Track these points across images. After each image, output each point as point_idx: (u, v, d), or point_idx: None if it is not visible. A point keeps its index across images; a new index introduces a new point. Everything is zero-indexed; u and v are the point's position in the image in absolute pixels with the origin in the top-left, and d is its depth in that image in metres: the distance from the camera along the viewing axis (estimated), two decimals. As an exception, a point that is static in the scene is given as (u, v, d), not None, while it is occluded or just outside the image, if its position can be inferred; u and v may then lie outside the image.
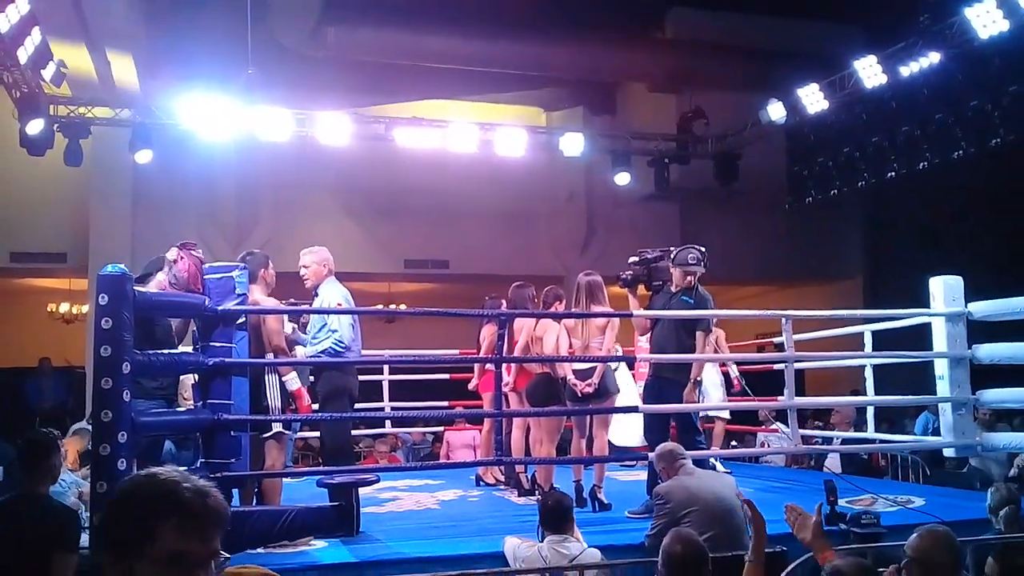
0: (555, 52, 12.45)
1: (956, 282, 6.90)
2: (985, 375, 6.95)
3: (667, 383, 6.21)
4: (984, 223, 13.05)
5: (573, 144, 12.78)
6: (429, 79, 13.07)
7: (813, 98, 11.66)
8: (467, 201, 14.14)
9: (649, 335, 6.48)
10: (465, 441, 9.79)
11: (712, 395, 8.15)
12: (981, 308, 6.80)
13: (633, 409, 7.37)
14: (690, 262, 6.21)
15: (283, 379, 5.42)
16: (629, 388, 7.96)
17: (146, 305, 4.81)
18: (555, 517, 4.52)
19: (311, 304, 5.91)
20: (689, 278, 6.21)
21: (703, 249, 6.33)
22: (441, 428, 10.38)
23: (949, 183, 12.06)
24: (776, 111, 12.27)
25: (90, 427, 8.23)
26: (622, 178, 13.55)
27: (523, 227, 14.89)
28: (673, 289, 6.29)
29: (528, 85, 14.07)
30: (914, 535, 3.59)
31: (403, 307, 14.69)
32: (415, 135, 12.07)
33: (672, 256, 6.33)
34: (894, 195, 13.28)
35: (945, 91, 10.62)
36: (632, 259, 6.53)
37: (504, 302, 7.52)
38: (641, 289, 6.66)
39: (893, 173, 11.60)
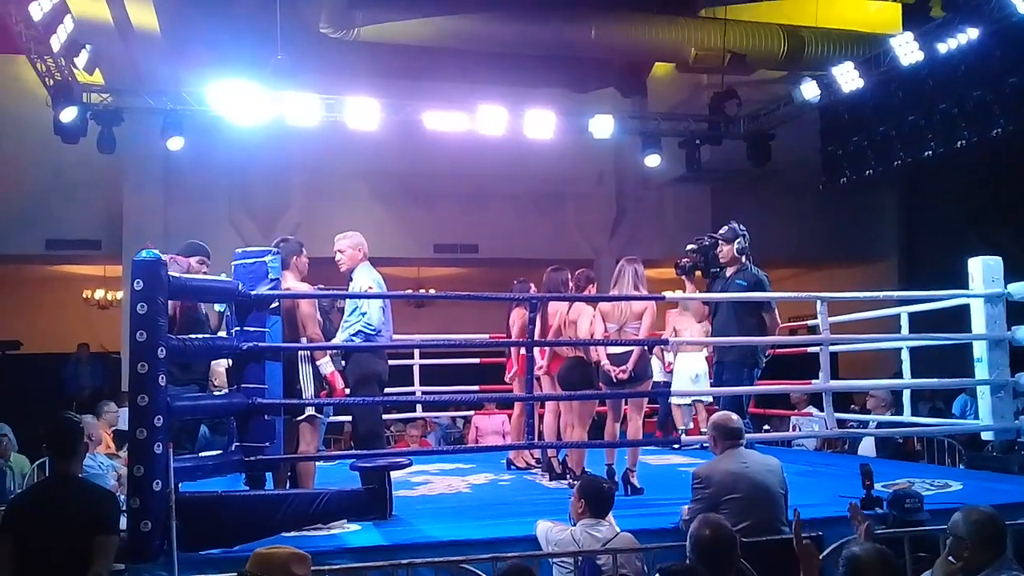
0: (585, 32, 12.34)
1: (996, 262, 6.78)
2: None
3: (726, 368, 6.27)
4: (1023, 202, 12.81)
5: (603, 126, 12.68)
6: (458, 63, 13.01)
7: (848, 76, 11.47)
8: (496, 185, 14.11)
9: (709, 321, 6.50)
10: (494, 427, 9.80)
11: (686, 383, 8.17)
12: (1021, 289, 6.68)
13: (665, 393, 7.36)
14: (728, 236, 6.25)
15: (317, 364, 5.43)
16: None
17: (180, 290, 4.84)
18: (594, 502, 4.50)
19: (345, 289, 5.92)
20: (739, 256, 6.20)
21: (735, 225, 6.31)
22: (471, 412, 10.39)
23: (987, 162, 11.85)
24: (810, 90, 12.11)
25: (113, 404, 8.39)
26: (652, 160, 13.44)
27: (552, 210, 14.84)
28: (727, 273, 6.28)
29: (557, 67, 13.98)
30: (957, 513, 3.55)
31: (432, 291, 14.71)
32: (444, 119, 12.03)
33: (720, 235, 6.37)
34: (930, 175, 13.09)
35: (983, 68, 10.43)
36: (689, 246, 6.62)
37: (532, 286, 7.48)
38: (698, 276, 6.68)
39: (930, 152, 11.41)
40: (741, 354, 6.21)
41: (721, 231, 6.38)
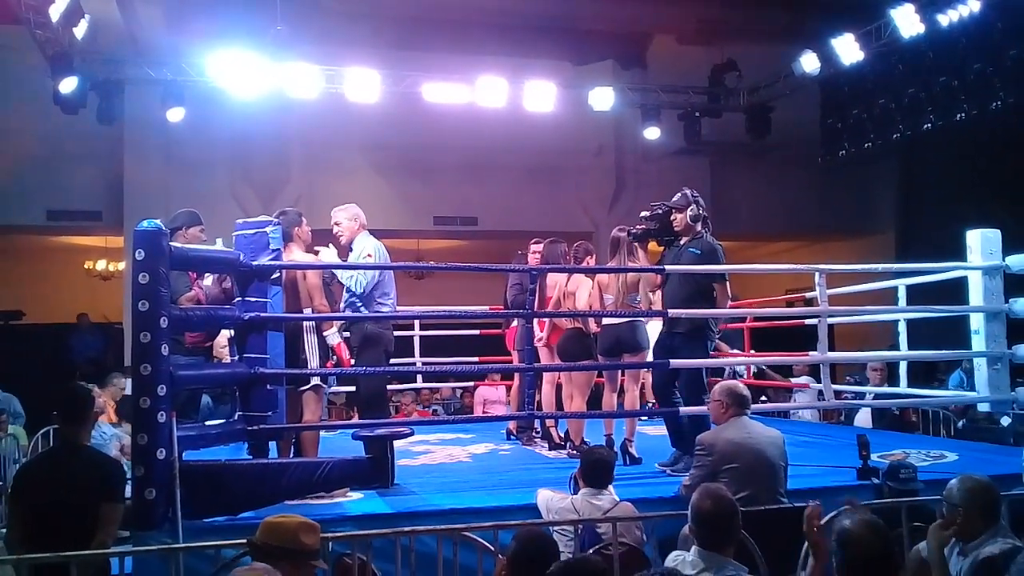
0: (585, 4, 12.28)
1: (994, 235, 6.79)
2: (1022, 330, 6.87)
3: (678, 338, 6.02)
4: (1022, 175, 12.80)
5: (603, 98, 12.66)
6: (458, 33, 12.96)
7: (848, 49, 11.43)
8: (496, 157, 14.08)
9: (661, 290, 6.27)
10: (499, 396, 9.90)
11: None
12: (1019, 261, 6.70)
13: (664, 364, 7.39)
14: (680, 204, 6.05)
15: (324, 334, 5.48)
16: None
17: (182, 260, 4.87)
18: (596, 472, 4.55)
19: (346, 259, 5.97)
20: (694, 224, 6.01)
21: (689, 192, 6.17)
22: (472, 384, 10.47)
23: (986, 135, 11.81)
24: (810, 62, 12.06)
25: (120, 376, 8.44)
26: (652, 132, 13.43)
27: (552, 183, 14.83)
28: (681, 242, 6.09)
29: (557, 39, 13.91)
30: (953, 481, 3.60)
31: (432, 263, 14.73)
32: (443, 91, 12.00)
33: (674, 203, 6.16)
34: (929, 148, 13.05)
35: (984, 41, 10.38)
36: (643, 214, 6.36)
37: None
38: (653, 245, 6.50)
39: (929, 125, 11.39)
40: (693, 325, 5.99)
41: (675, 198, 6.11)
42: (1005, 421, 7.78)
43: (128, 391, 7.26)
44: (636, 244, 6.36)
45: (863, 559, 3.07)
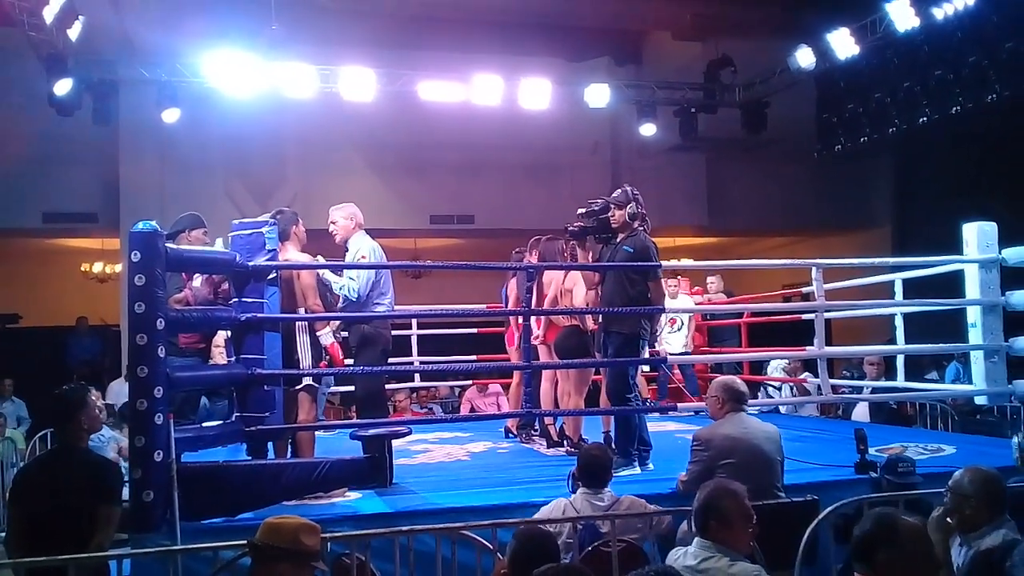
0: (580, 1, 12.27)
1: (991, 228, 6.80)
2: (1018, 322, 6.88)
3: (613, 337, 5.97)
4: (1018, 168, 12.80)
5: (598, 95, 12.65)
6: (453, 31, 12.95)
7: (843, 43, 11.42)
8: (492, 155, 14.08)
9: (598, 288, 6.16)
10: (485, 404, 9.92)
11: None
12: (1016, 254, 6.71)
13: (661, 361, 7.41)
14: (620, 200, 5.99)
15: (318, 334, 5.47)
16: None
17: (178, 261, 4.86)
18: (592, 471, 4.54)
19: (341, 259, 5.96)
20: (631, 222, 5.94)
21: (628, 188, 6.13)
22: (469, 383, 10.45)
23: (982, 128, 11.83)
24: (805, 57, 12.06)
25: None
26: (648, 129, 13.43)
27: (548, 180, 14.81)
28: (617, 239, 6.02)
29: (553, 36, 13.90)
30: (960, 472, 3.60)
31: (429, 262, 14.72)
32: (439, 89, 11.99)
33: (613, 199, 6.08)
34: (925, 141, 13.05)
35: (979, 34, 10.38)
36: (580, 211, 6.29)
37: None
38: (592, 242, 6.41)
39: (925, 119, 11.38)
40: (625, 324, 5.90)
41: (614, 194, 6.06)
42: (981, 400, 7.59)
43: (102, 401, 7.30)
44: (575, 242, 6.30)
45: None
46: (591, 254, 6.29)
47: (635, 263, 5.93)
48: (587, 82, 12.82)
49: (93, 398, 4.50)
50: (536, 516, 4.58)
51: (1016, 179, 12.21)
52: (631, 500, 4.52)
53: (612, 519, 4.16)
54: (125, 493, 4.41)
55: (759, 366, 9.76)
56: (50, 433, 6.66)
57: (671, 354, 8.78)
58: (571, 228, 6.23)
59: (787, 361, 9.40)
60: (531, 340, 6.55)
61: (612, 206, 6.01)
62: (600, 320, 6.18)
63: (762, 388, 9.70)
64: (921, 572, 2.68)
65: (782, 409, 9.44)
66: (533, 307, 6.52)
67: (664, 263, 6.06)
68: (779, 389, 9.69)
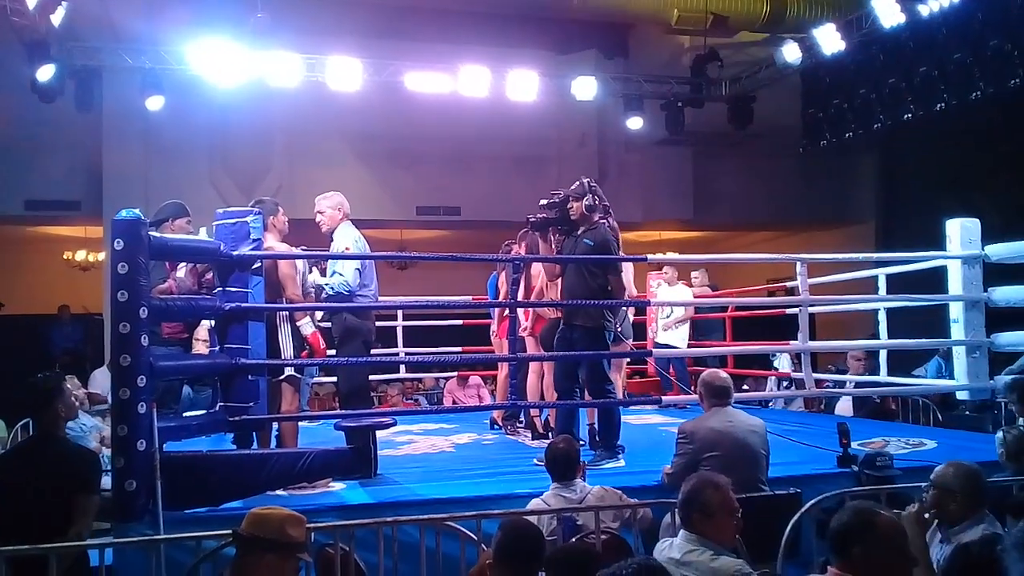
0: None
1: (973, 224, 6.85)
2: (1000, 318, 6.93)
3: (577, 330, 5.96)
4: (1002, 165, 12.89)
5: (585, 88, 12.64)
6: (440, 22, 12.90)
7: (829, 39, 11.46)
8: (479, 147, 14.04)
9: (559, 281, 6.18)
10: (468, 396, 9.93)
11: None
12: (998, 251, 6.76)
13: (647, 353, 7.43)
14: (578, 193, 5.99)
15: (297, 324, 5.45)
16: None
17: (161, 250, 4.82)
18: (558, 466, 4.51)
19: (327, 249, 5.92)
20: (590, 214, 5.94)
21: (586, 181, 6.11)
22: (455, 374, 10.45)
23: (966, 125, 11.88)
24: (791, 52, 12.09)
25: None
26: (634, 122, 13.43)
27: (535, 172, 14.78)
28: (578, 232, 6.02)
29: (540, 28, 13.88)
30: (944, 467, 3.62)
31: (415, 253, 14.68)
32: (426, 80, 11.95)
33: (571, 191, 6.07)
34: (910, 137, 13.11)
35: (964, 31, 10.41)
36: (542, 202, 6.29)
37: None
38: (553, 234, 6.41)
39: (910, 115, 11.43)
40: (589, 317, 5.90)
41: (572, 187, 6.07)
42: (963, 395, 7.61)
43: (82, 390, 7.25)
44: (538, 234, 6.27)
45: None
46: (553, 246, 6.27)
47: (602, 256, 5.91)
48: (574, 75, 12.81)
49: (69, 386, 4.47)
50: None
51: (1000, 176, 12.31)
52: (602, 491, 4.49)
53: (596, 511, 4.15)
54: (107, 482, 4.38)
55: (745, 360, 9.77)
56: (31, 422, 6.61)
57: (672, 347, 8.76)
58: (532, 219, 6.22)
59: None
60: (519, 332, 6.55)
61: (571, 198, 6.01)
62: (561, 313, 6.13)
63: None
64: (896, 567, 2.69)
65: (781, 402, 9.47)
66: (520, 299, 6.51)
67: (649, 256, 6.07)
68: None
